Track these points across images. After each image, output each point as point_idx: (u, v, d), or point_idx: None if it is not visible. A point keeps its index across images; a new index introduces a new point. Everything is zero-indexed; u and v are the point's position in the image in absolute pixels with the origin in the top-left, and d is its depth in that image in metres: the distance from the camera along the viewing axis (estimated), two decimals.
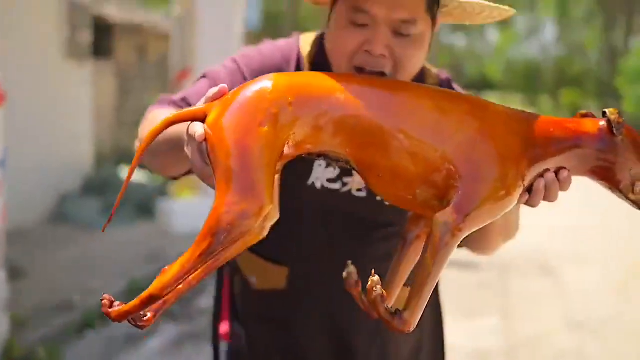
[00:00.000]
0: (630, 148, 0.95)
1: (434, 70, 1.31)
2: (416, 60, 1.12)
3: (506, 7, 1.08)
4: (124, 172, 6.96)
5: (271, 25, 19.58)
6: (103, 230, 0.97)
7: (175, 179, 1.28)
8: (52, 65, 6.24)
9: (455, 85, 1.32)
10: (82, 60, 6.66)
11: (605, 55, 17.12)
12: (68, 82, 6.50)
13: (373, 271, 0.91)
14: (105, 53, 8.48)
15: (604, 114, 0.96)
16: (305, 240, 1.26)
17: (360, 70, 1.10)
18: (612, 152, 0.95)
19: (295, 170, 1.09)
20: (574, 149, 0.95)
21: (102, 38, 8.12)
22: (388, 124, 0.90)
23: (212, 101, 0.89)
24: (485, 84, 45.80)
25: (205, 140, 0.85)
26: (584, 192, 8.73)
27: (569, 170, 0.96)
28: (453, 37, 27.41)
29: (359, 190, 1.23)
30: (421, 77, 1.26)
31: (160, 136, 0.95)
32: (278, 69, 1.22)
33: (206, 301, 4.14)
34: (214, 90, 0.89)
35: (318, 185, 1.22)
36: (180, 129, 0.97)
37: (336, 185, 1.22)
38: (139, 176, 6.93)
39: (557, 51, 27.38)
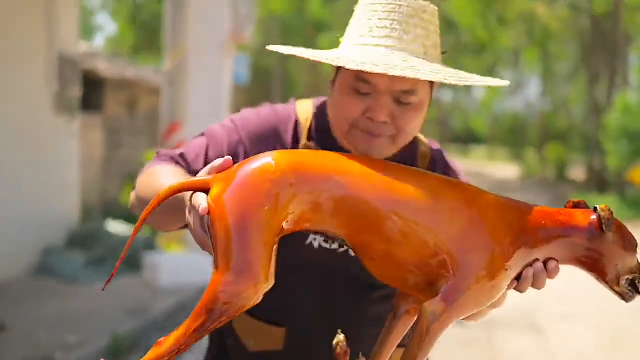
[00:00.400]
0: (619, 243, 0.99)
1: (426, 139, 1.37)
2: (415, 124, 1.19)
3: (500, 81, 1.17)
4: (110, 226, 6.92)
5: (260, 80, 19.83)
6: (103, 290, 1.01)
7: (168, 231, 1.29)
8: (41, 119, 6.29)
9: (446, 155, 1.38)
10: (71, 114, 6.72)
11: (590, 110, 17.42)
12: (56, 136, 6.53)
13: (339, 331, 0.96)
14: (95, 107, 8.56)
15: (595, 209, 0.99)
16: (303, 300, 1.26)
17: (360, 131, 1.16)
18: (600, 246, 0.98)
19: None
20: (564, 240, 0.99)
21: (92, 92, 8.20)
22: (385, 210, 0.93)
23: (216, 172, 0.92)
24: (472, 138, 46.37)
25: (208, 213, 0.88)
26: None
27: (557, 261, 1.00)
28: (439, 92, 27.88)
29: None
30: (414, 146, 1.31)
31: (150, 196, 1.01)
32: (275, 133, 1.25)
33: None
34: (219, 161, 0.93)
35: (316, 244, 1.23)
36: (182, 193, 1.00)
37: (334, 245, 1.24)
38: (127, 229, 6.91)
39: (542, 106, 27.83)
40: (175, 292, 5.56)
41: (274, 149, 1.18)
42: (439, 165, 1.34)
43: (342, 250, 1.24)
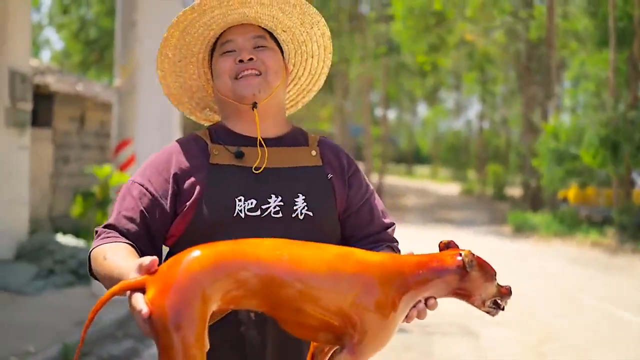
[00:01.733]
0: (481, 278, 1.26)
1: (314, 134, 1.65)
2: (275, 63, 1.51)
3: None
4: (59, 239, 6.96)
5: None
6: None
7: None
8: None
9: (333, 141, 1.66)
10: (22, 128, 6.77)
11: (525, 131, 18.13)
12: (7, 150, 6.57)
13: None
14: (45, 121, 8.59)
15: (460, 254, 1.25)
16: None
17: (238, 78, 1.47)
18: (467, 281, 1.25)
19: (218, 208, 1.41)
20: (438, 281, 1.25)
21: (42, 107, 8.25)
22: (291, 282, 1.15)
23: (145, 272, 1.13)
24: (416, 158, 47.24)
25: (148, 317, 1.08)
26: (502, 260, 9.19)
27: (435, 299, 1.28)
28: (386, 111, 28.52)
29: (277, 213, 1.45)
30: (305, 132, 1.61)
31: (101, 275, 1.30)
32: (174, 156, 1.48)
33: None
34: (147, 260, 1.14)
35: (242, 215, 1.44)
36: (115, 273, 1.26)
37: (257, 212, 1.44)
38: (75, 241, 6.97)
39: (482, 127, 28.74)
40: (124, 302, 5.62)
41: (179, 169, 1.45)
42: (327, 147, 1.59)
43: (265, 215, 1.45)
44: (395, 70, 24.09)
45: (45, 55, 29.37)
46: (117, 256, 1.32)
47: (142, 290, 1.10)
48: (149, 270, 1.13)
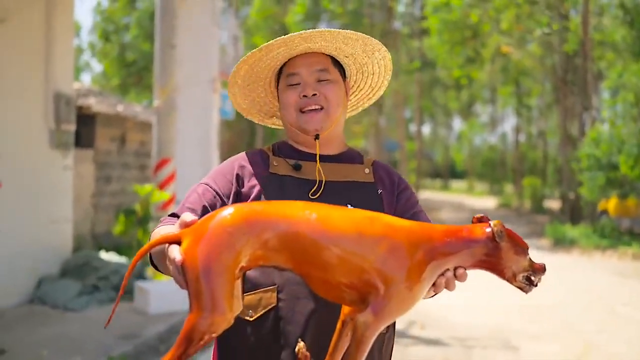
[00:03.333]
0: (511, 250, 1.26)
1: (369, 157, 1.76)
2: (337, 96, 1.61)
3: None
4: (101, 256, 7.13)
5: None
6: (105, 327, 1.30)
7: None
8: (38, 155, 6.55)
9: (387, 164, 1.76)
10: (66, 149, 6.99)
11: (563, 143, 17.91)
12: (52, 170, 6.79)
13: (299, 339, 1.31)
14: (87, 142, 8.83)
15: (490, 225, 1.26)
16: None
17: (303, 112, 1.59)
18: (496, 253, 1.26)
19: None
20: (467, 251, 1.26)
21: (84, 128, 8.49)
22: (320, 242, 1.19)
23: (184, 227, 1.20)
24: (452, 173, 46.88)
25: (181, 264, 1.15)
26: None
27: (464, 268, 1.28)
28: (421, 126, 28.47)
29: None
30: (360, 155, 1.72)
31: (158, 248, 1.35)
32: (238, 165, 1.62)
33: None
34: (187, 218, 1.22)
35: None
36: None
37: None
38: (117, 258, 7.13)
39: (518, 140, 28.43)
40: (165, 318, 5.79)
41: (241, 172, 1.59)
42: (380, 168, 1.70)
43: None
44: (429, 85, 24.06)
45: (86, 78, 30.12)
46: (169, 230, 1.41)
47: (180, 243, 1.16)
48: (188, 226, 1.20)
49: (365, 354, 1.22)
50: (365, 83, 1.76)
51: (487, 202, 28.15)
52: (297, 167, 1.60)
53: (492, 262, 1.26)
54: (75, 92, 7.75)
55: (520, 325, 6.52)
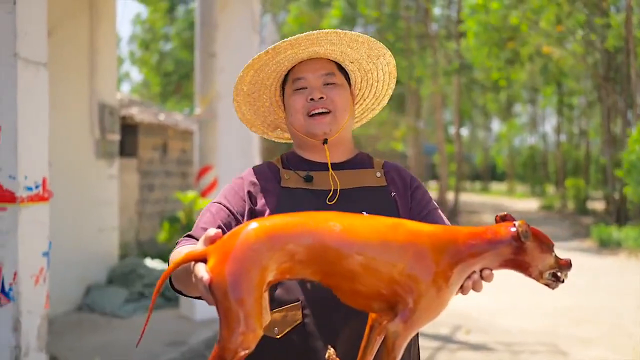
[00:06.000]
0: (537, 249, 1.25)
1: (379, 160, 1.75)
2: (344, 100, 1.61)
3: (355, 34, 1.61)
4: (147, 263, 7.24)
5: None
6: (137, 345, 1.30)
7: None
8: (85, 164, 6.69)
9: (399, 165, 1.75)
10: (112, 158, 7.12)
11: (606, 143, 17.55)
12: (98, 180, 6.92)
13: (329, 346, 1.30)
14: (130, 151, 8.98)
15: (515, 225, 1.25)
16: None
17: (310, 116, 1.58)
18: (522, 252, 1.24)
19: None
20: (492, 252, 1.24)
21: (127, 137, 8.64)
22: (346, 252, 1.18)
23: (209, 243, 1.20)
24: (492, 175, 46.34)
25: (209, 284, 1.14)
26: (589, 276, 8.89)
27: (491, 269, 1.27)
28: (460, 128, 28.20)
29: None
30: (370, 157, 1.72)
31: (181, 268, 1.34)
32: (248, 182, 1.62)
33: None
34: (212, 232, 1.22)
35: None
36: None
37: None
38: (162, 265, 7.22)
39: (559, 140, 27.96)
40: (211, 324, 5.85)
41: (253, 189, 1.58)
42: (392, 169, 1.69)
43: None
44: (467, 87, 23.86)
45: (125, 88, 30.67)
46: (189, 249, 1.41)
47: (205, 261, 1.16)
48: (213, 241, 1.20)
49: None
50: (370, 92, 1.76)
51: (529, 204, 27.73)
52: (308, 179, 1.60)
53: (518, 262, 1.25)
54: (119, 102, 7.89)
55: (568, 329, 6.39)
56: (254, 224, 1.17)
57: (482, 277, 1.27)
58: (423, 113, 26.13)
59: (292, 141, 1.80)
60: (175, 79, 21.18)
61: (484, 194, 39.53)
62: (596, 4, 15.31)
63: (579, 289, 8.32)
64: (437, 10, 22.82)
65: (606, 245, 13.31)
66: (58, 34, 5.98)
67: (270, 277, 1.15)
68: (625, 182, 13.76)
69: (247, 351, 1.12)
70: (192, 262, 1.19)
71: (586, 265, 10.48)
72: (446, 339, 6.01)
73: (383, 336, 1.24)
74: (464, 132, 41.80)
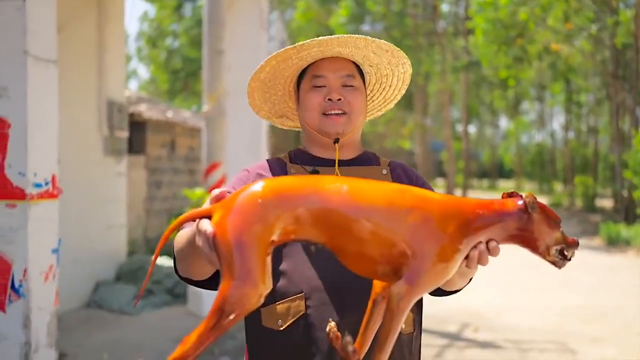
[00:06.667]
0: (544, 222, 1.24)
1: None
2: (360, 103, 1.63)
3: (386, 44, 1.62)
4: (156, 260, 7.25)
5: None
6: (135, 306, 1.30)
7: (203, 287, 1.58)
8: (93, 162, 6.71)
9: (405, 165, 1.75)
10: (120, 156, 7.14)
11: (614, 141, 17.47)
12: (106, 177, 6.94)
13: (330, 319, 1.28)
14: (138, 148, 9.00)
15: (521, 196, 1.25)
16: (313, 266, 1.52)
17: (326, 115, 1.59)
18: (529, 225, 1.23)
19: None
20: (499, 224, 1.23)
21: (135, 134, 8.65)
22: (352, 216, 1.18)
23: (215, 202, 1.20)
24: (500, 172, 46.20)
25: (212, 236, 1.14)
26: (597, 274, 8.85)
27: (497, 242, 1.26)
28: (467, 125, 28.13)
29: None
30: (376, 156, 1.73)
31: (184, 239, 1.36)
32: (259, 174, 1.62)
33: None
34: (217, 192, 1.22)
35: None
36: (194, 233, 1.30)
37: None
38: (169, 262, 7.24)
39: (567, 138, 27.86)
40: None
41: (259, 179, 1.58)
42: (398, 167, 1.70)
43: None
44: (475, 84, 23.81)
45: (133, 85, 30.75)
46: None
47: (210, 218, 1.15)
48: (218, 199, 1.19)
49: (400, 326, 1.20)
50: (380, 94, 1.78)
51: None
52: (314, 173, 1.61)
53: (525, 236, 1.23)
54: (127, 100, 7.90)
55: (577, 328, 6.37)
56: (260, 182, 1.17)
57: (488, 249, 1.26)
58: (430, 110, 26.09)
59: (295, 129, 1.82)
60: (183, 76, 21.22)
61: (492, 191, 39.43)
62: (605, 1, 15.23)
63: (588, 287, 8.29)
64: (444, 7, 22.76)
65: (615, 244, 13.26)
66: (67, 31, 5.99)
67: (275, 236, 1.14)
68: (634, 183, 13.70)
69: (245, 308, 1.09)
70: (197, 219, 1.18)
71: (595, 263, 10.43)
72: (454, 337, 6.00)
73: (385, 307, 1.22)
74: (472, 129, 41.70)
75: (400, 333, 1.51)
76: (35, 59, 3.34)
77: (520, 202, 1.24)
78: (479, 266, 1.30)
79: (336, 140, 1.62)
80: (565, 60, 18.86)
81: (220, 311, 1.07)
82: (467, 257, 1.25)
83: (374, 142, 22.70)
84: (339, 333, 1.25)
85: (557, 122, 65.48)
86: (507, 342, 5.86)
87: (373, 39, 1.58)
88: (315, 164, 1.64)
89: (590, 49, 16.24)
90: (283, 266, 1.52)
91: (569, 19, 15.45)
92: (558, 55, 18.27)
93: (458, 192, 23.71)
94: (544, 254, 1.26)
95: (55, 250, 3.62)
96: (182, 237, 1.44)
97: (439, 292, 1.60)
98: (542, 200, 27.80)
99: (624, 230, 13.80)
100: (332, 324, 1.25)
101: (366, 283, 1.31)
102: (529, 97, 31.59)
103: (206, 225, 1.13)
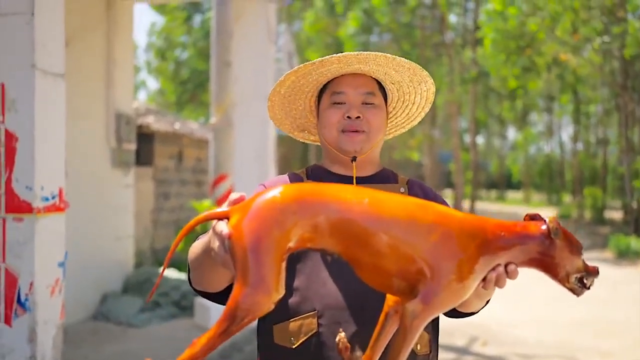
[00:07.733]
0: (566, 249, 1.21)
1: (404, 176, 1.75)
2: (379, 122, 1.61)
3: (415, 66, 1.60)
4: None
5: None
6: (148, 301, 1.27)
7: (216, 300, 1.56)
8: (101, 173, 6.72)
9: (423, 183, 1.74)
10: (127, 167, 7.15)
11: (624, 152, 17.38)
12: (114, 188, 6.95)
13: (340, 330, 1.25)
14: (146, 160, 9.01)
15: (545, 221, 1.22)
16: (326, 281, 1.51)
17: (344, 132, 1.58)
18: (551, 251, 1.20)
19: None
20: (520, 247, 1.20)
21: (143, 146, 8.67)
22: (372, 228, 1.15)
23: (233, 205, 1.18)
24: (508, 183, 46.04)
25: (229, 237, 1.11)
26: (608, 287, 8.81)
27: (516, 265, 1.23)
28: (475, 136, 28.09)
29: None
30: (394, 173, 1.72)
31: (199, 248, 1.34)
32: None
33: None
34: (235, 195, 1.20)
35: None
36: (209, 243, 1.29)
37: None
38: (177, 274, 7.23)
39: (575, 149, 27.74)
40: None
41: None
42: (415, 185, 1.69)
43: None
44: (484, 95, 23.78)
45: (141, 96, 30.88)
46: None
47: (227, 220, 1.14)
48: (236, 203, 1.17)
49: (412, 344, 1.17)
50: (403, 112, 1.76)
51: (545, 213, 27.45)
52: None
53: (545, 261, 1.20)
54: (135, 111, 7.92)
55: (588, 342, 6.31)
56: (280, 188, 1.14)
57: (506, 272, 1.23)
58: (438, 121, 26.06)
59: (315, 143, 1.81)
60: (191, 88, 21.30)
61: (500, 202, 39.28)
62: (613, 12, 15.19)
63: (597, 300, 8.22)
64: (452, 18, 22.77)
65: (625, 256, 13.15)
66: (76, 44, 6.02)
67: (292, 242, 1.11)
68: None
69: (257, 314, 1.07)
70: (215, 221, 1.16)
71: (605, 275, 10.30)
72: (463, 351, 5.95)
73: (398, 323, 1.20)
74: (480, 140, 41.60)
75: (416, 354, 1.51)
76: (43, 72, 3.35)
77: (544, 227, 1.21)
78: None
79: (354, 159, 1.61)
80: (574, 71, 18.81)
81: (232, 317, 1.06)
82: (484, 279, 1.22)
83: (382, 154, 22.65)
84: (348, 344, 1.22)
85: (566, 133, 65.24)
86: (516, 355, 5.81)
87: (394, 56, 1.56)
88: (333, 181, 1.61)
89: (599, 61, 16.18)
90: (296, 283, 1.51)
91: (577, 30, 15.42)
92: (566, 66, 18.22)
93: (466, 203, 23.63)
94: (563, 281, 1.22)
95: (61, 264, 3.62)
96: (197, 246, 1.43)
97: (454, 314, 1.58)
98: (551, 211, 27.69)
99: (633, 242, 13.70)
100: (342, 334, 1.22)
101: (379, 302, 1.29)
102: (538, 108, 31.49)
103: (223, 226, 1.12)
